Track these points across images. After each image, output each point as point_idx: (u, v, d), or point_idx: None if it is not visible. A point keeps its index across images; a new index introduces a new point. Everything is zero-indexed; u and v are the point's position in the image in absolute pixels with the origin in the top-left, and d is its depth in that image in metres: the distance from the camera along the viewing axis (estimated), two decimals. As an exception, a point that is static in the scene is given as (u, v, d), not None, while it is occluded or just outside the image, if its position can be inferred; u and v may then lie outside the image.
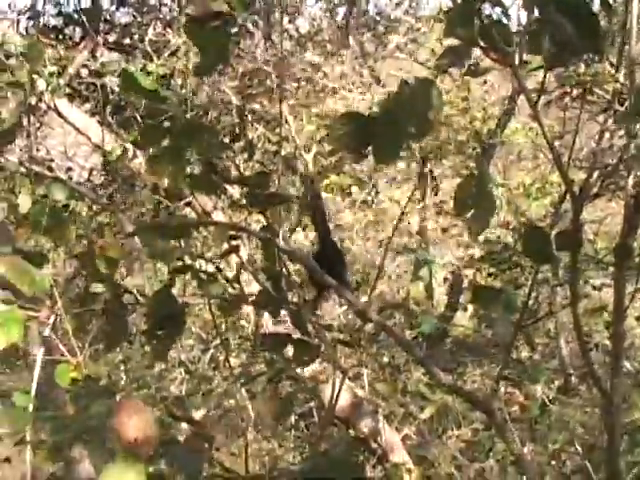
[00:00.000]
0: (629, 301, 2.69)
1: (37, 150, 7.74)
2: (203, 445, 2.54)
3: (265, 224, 2.71)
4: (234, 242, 2.81)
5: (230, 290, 2.87)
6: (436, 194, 6.87)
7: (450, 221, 6.94)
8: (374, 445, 6.01)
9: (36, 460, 2.60)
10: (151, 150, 2.63)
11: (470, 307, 7.52)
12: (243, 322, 6.94)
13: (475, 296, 2.64)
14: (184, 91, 6.14)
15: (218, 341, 7.30)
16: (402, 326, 5.64)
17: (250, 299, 2.81)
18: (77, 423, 2.53)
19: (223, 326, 6.91)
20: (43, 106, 7.51)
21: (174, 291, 2.91)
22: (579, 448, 4.96)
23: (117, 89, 7.53)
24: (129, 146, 6.31)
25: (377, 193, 7.24)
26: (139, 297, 2.88)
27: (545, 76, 2.30)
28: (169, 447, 2.34)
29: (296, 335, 2.85)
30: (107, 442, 2.39)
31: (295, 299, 2.88)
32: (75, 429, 2.52)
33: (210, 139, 2.54)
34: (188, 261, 2.89)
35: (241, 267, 2.84)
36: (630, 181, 2.58)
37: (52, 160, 7.50)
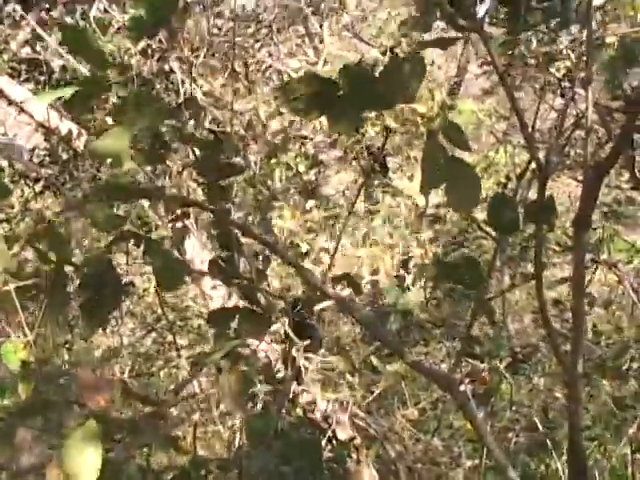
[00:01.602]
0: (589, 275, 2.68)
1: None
2: (159, 423, 2.50)
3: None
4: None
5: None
6: (384, 176, 6.83)
7: (397, 201, 6.91)
8: (323, 424, 5.98)
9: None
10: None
11: (415, 286, 7.53)
12: (189, 303, 6.90)
13: (434, 270, 2.60)
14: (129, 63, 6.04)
15: (163, 322, 7.24)
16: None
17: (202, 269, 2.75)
18: (31, 404, 2.48)
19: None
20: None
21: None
22: (539, 426, 4.97)
23: (59, 68, 7.41)
24: (72, 125, 6.21)
25: (323, 172, 7.19)
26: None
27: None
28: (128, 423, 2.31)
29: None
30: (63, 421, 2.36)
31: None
32: (28, 411, 2.48)
33: (157, 107, 2.47)
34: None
35: (184, 233, 2.78)
36: (589, 149, 2.56)
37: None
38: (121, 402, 2.38)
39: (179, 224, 2.97)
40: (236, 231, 2.67)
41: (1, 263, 2.50)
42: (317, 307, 3.15)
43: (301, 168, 6.89)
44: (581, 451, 2.60)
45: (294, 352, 2.94)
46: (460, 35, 2.26)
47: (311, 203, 6.44)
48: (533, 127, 2.64)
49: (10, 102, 6.93)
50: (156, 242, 2.81)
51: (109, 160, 2.47)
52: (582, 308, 2.57)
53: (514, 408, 6.11)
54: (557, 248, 5.88)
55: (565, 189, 8.48)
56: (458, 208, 2.32)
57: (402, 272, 6.71)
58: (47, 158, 7.50)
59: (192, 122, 2.85)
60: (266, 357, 5.50)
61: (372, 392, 6.33)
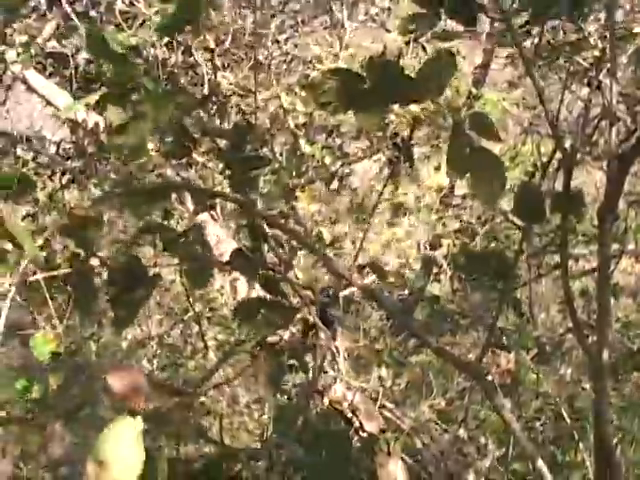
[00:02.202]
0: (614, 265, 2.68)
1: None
2: (187, 413, 2.51)
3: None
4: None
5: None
6: (411, 167, 6.82)
7: (423, 191, 6.91)
8: (351, 416, 5.99)
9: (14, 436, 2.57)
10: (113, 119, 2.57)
11: (442, 279, 7.52)
12: (216, 294, 6.91)
13: (461, 261, 2.61)
14: (152, 59, 6.06)
15: (190, 314, 7.26)
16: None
17: (225, 261, 2.75)
18: (64, 399, 2.49)
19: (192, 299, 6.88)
20: (9, 78, 7.42)
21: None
22: (565, 415, 4.96)
23: (85, 62, 7.44)
24: (97, 117, 6.23)
25: (349, 164, 7.19)
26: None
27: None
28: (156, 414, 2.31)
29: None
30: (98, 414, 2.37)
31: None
32: (62, 406, 2.49)
33: (182, 100, 2.48)
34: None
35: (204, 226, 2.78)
36: (613, 139, 2.55)
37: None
38: (154, 399, 2.40)
39: (203, 216, 2.98)
40: (262, 221, 2.68)
41: (28, 254, 2.52)
42: (341, 295, 3.15)
43: (327, 160, 6.89)
44: (607, 442, 2.60)
45: (322, 341, 2.95)
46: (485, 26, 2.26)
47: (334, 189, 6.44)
48: (558, 116, 2.63)
49: (37, 95, 6.97)
50: (180, 235, 2.83)
51: (127, 152, 2.48)
52: (607, 298, 2.56)
53: (540, 399, 6.10)
54: (583, 239, 5.86)
55: (593, 179, 8.45)
56: (483, 199, 2.32)
57: (428, 261, 6.73)
58: (73, 151, 7.53)
59: (217, 114, 2.87)
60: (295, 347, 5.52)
61: (399, 383, 6.33)
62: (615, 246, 4.95)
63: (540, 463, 2.53)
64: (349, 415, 6.00)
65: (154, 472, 2.32)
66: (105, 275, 2.87)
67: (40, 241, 2.88)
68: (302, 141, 5.73)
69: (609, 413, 2.63)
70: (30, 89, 7.06)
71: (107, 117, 2.61)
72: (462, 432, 6.69)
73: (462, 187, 6.90)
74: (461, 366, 2.83)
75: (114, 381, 2.15)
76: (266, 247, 2.72)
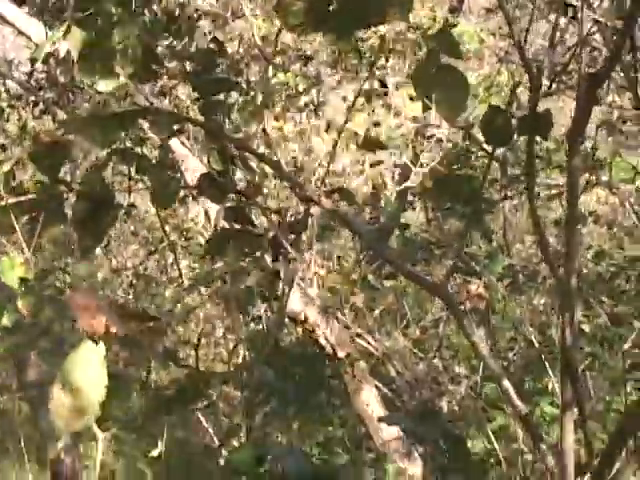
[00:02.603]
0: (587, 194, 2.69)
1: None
2: (158, 338, 2.50)
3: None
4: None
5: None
6: (385, 94, 6.78)
7: (400, 121, 6.88)
8: (323, 342, 6.03)
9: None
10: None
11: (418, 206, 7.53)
12: (190, 224, 6.91)
13: (432, 185, 2.61)
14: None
15: (165, 243, 7.27)
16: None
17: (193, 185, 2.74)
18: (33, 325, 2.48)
19: (168, 228, 6.87)
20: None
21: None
22: (534, 341, 5.01)
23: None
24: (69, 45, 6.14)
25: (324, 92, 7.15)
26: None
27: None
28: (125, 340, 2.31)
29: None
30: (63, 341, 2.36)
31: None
32: (31, 331, 2.48)
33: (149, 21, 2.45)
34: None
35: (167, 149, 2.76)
36: (584, 61, 2.54)
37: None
38: (117, 322, 2.38)
39: (174, 141, 2.96)
40: (230, 145, 2.67)
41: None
42: (311, 219, 3.15)
43: (301, 87, 6.86)
44: (573, 367, 2.62)
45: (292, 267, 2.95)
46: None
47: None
48: (526, 40, 2.62)
49: (8, 25, 6.86)
50: (148, 159, 2.81)
51: (95, 78, 2.45)
52: (575, 222, 2.57)
53: (514, 327, 6.15)
54: (559, 170, 5.88)
55: (568, 110, 8.43)
56: (446, 114, 2.32)
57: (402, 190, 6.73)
58: (45, 81, 7.46)
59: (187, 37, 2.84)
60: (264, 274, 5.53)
61: (372, 310, 6.37)
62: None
63: (506, 383, 2.56)
64: (322, 342, 6.04)
65: (120, 396, 2.32)
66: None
67: (7, 166, 2.85)
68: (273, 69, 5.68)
69: (576, 339, 2.65)
70: (1, 19, 6.95)
71: (70, 43, 2.58)
72: (436, 360, 6.76)
73: (437, 118, 6.88)
74: (430, 288, 2.83)
75: (73, 304, 2.15)
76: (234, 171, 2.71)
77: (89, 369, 2.14)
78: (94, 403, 2.14)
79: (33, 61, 6.55)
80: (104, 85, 2.43)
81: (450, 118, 2.33)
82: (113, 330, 2.20)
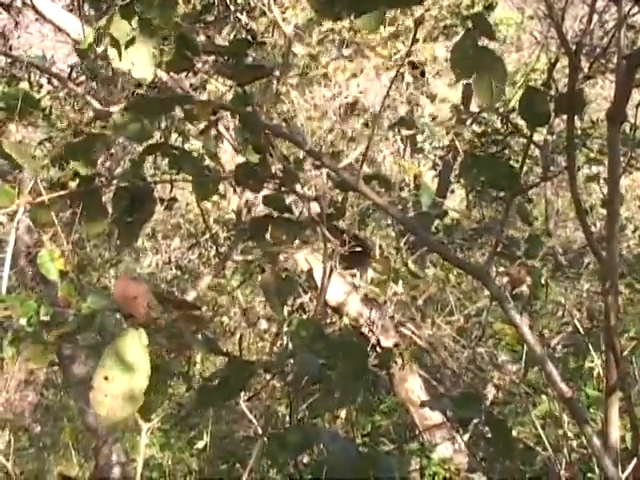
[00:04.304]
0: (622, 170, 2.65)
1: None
2: (200, 326, 2.50)
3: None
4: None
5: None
6: (422, 75, 6.76)
7: (438, 106, 6.86)
8: (368, 332, 6.03)
9: (29, 361, 2.56)
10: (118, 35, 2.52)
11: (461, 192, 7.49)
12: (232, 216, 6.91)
13: (466, 165, 2.58)
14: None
15: (207, 235, 7.27)
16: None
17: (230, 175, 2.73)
18: (75, 316, 2.48)
19: (212, 220, 6.89)
20: (18, 4, 7.35)
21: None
22: (578, 325, 4.96)
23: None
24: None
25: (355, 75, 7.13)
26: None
27: None
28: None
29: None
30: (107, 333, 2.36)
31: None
32: (73, 322, 2.47)
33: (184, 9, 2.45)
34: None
35: (217, 140, 2.75)
36: (622, 42, 2.51)
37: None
38: (159, 310, 2.38)
39: (211, 131, 2.94)
40: (267, 133, 2.66)
41: (30, 170, 2.51)
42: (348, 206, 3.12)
43: (340, 78, 6.85)
44: (616, 349, 2.59)
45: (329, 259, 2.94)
46: None
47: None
48: (563, 17, 2.59)
49: (46, 21, 6.89)
50: (187, 152, 2.81)
51: (133, 71, 2.45)
52: (617, 201, 2.54)
53: (560, 313, 6.10)
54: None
55: (608, 94, 8.36)
56: (483, 98, 2.29)
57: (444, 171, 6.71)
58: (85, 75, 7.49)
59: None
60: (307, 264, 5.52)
61: (415, 299, 6.35)
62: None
63: (550, 367, 2.53)
64: (366, 332, 6.03)
65: (162, 388, 2.32)
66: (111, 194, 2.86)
67: (46, 160, 2.85)
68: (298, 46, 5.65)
69: (619, 321, 2.62)
70: (39, 15, 6.98)
71: (110, 34, 2.57)
72: (480, 349, 6.73)
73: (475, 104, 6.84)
74: (473, 272, 2.81)
75: (116, 294, 2.15)
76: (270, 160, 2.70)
77: (132, 357, 2.14)
78: (138, 392, 2.14)
79: (80, 53, 6.56)
80: (140, 72, 2.42)
81: (488, 101, 2.30)
82: (154, 316, 2.20)
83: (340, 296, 6.03)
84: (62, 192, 2.78)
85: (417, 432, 6.19)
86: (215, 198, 6.74)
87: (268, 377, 2.85)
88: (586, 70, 6.60)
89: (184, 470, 8.65)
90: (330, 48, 6.58)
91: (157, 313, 2.21)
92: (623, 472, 2.66)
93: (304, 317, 5.71)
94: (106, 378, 2.11)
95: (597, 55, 6.11)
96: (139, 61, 2.49)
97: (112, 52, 2.42)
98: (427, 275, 6.22)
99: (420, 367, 6.36)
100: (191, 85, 5.61)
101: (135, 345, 2.15)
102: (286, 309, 6.69)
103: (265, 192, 2.79)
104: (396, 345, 5.93)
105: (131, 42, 2.50)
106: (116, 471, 6.68)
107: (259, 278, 3.09)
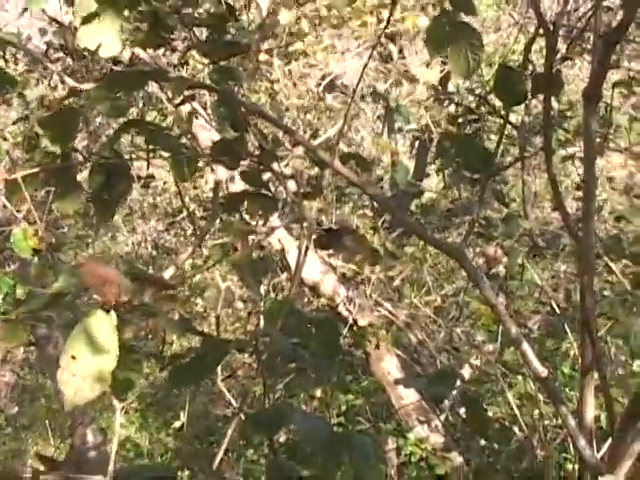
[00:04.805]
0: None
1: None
2: (174, 306, 2.47)
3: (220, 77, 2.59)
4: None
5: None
6: (402, 56, 6.73)
7: (414, 86, 6.83)
8: (345, 312, 6.03)
9: (2, 340, 2.53)
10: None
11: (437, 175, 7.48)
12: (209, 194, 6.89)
13: (442, 145, 2.57)
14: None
15: (184, 214, 7.25)
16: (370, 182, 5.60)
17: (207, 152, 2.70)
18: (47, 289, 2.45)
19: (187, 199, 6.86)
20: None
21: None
22: (554, 305, 4.97)
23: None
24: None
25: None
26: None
27: None
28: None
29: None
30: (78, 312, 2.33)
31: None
32: (40, 300, 2.44)
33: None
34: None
35: (192, 116, 2.72)
36: (600, 22, 2.51)
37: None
38: (131, 292, 2.35)
39: (186, 107, 2.92)
40: (244, 111, 2.63)
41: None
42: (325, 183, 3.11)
43: (319, 57, 6.80)
44: (591, 328, 2.60)
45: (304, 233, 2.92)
46: None
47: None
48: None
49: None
50: (163, 128, 2.78)
51: (100, 47, 2.41)
52: (593, 182, 2.54)
53: (536, 294, 6.11)
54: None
55: (586, 74, 8.37)
56: (459, 71, 2.28)
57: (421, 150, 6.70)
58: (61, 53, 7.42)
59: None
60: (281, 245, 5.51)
61: (392, 278, 6.35)
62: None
63: (525, 346, 2.53)
64: (342, 311, 6.04)
65: (131, 365, 2.29)
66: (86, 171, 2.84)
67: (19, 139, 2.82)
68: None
69: (594, 301, 2.62)
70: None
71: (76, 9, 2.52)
72: (457, 329, 6.74)
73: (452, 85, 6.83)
74: (449, 252, 2.80)
75: (85, 274, 2.12)
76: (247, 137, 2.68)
77: (101, 338, 2.11)
78: (106, 373, 2.11)
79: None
80: (107, 51, 2.38)
81: (464, 74, 2.28)
82: (125, 298, 2.17)
83: (317, 275, 6.03)
84: (36, 169, 2.75)
85: (393, 412, 6.20)
86: (194, 177, 6.74)
87: (246, 357, 2.84)
88: (564, 51, 6.61)
89: (161, 450, 8.67)
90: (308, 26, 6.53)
91: (129, 295, 2.18)
92: (598, 452, 2.67)
93: (279, 297, 5.70)
94: (73, 357, 2.08)
95: (574, 36, 6.10)
96: (106, 39, 2.45)
97: (80, 30, 2.38)
98: (404, 255, 6.22)
99: (397, 347, 6.37)
100: (169, 63, 5.57)
101: (104, 325, 2.12)
102: (263, 289, 6.70)
103: (242, 169, 2.77)
104: (370, 325, 5.94)
105: (94, 19, 2.45)
106: (92, 451, 6.67)
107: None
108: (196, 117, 2.83)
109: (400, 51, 6.61)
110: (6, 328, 2.45)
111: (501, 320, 2.67)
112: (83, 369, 2.04)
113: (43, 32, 7.07)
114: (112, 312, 2.11)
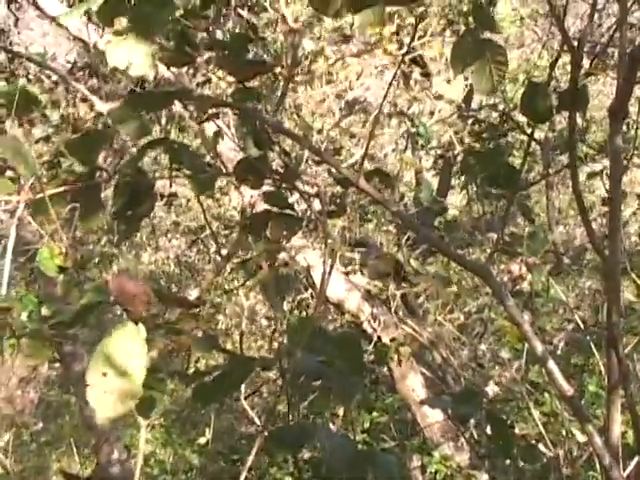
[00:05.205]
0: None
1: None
2: (199, 324, 2.47)
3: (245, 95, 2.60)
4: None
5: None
6: (427, 76, 6.73)
7: (432, 105, 6.84)
8: (369, 329, 6.02)
9: (29, 357, 2.54)
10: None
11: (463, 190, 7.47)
12: (232, 212, 6.91)
13: (466, 161, 2.57)
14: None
15: (207, 232, 7.26)
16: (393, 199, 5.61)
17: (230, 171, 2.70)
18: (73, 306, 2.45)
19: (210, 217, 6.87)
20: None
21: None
22: (579, 322, 4.94)
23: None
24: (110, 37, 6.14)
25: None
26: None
27: None
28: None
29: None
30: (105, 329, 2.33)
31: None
32: (67, 314, 2.45)
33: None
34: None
35: (218, 135, 2.73)
36: (625, 37, 2.49)
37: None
38: (158, 308, 2.35)
39: (210, 125, 2.93)
40: (266, 129, 2.64)
41: (27, 169, 2.49)
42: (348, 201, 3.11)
43: (342, 75, 6.82)
44: (618, 345, 2.58)
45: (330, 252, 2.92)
46: None
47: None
48: (565, 13, 2.57)
49: (46, 16, 6.89)
50: (186, 146, 2.79)
51: (129, 68, 2.42)
52: (618, 198, 2.53)
53: (561, 310, 6.08)
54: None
55: (609, 90, 8.36)
56: (481, 88, 2.28)
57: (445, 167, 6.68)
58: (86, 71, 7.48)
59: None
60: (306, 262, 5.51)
61: (417, 296, 6.34)
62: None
63: (551, 364, 2.52)
64: (367, 328, 6.03)
65: (155, 384, 2.29)
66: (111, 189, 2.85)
67: (47, 156, 2.84)
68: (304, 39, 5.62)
69: (620, 318, 2.61)
70: (40, 11, 6.97)
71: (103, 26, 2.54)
72: (481, 346, 6.72)
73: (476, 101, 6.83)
74: (474, 269, 2.80)
75: (114, 288, 2.12)
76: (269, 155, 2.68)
77: (130, 351, 2.10)
78: (137, 387, 2.10)
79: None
80: (137, 70, 2.39)
81: (488, 90, 2.28)
82: (154, 311, 2.18)
83: (341, 293, 6.03)
84: (61, 188, 2.76)
85: (418, 429, 6.18)
86: (217, 195, 6.76)
87: (269, 375, 2.84)
88: (587, 67, 6.60)
89: (185, 466, 8.67)
90: (333, 45, 6.55)
91: (156, 310, 2.18)
92: (625, 469, 2.65)
93: (303, 314, 5.70)
94: (104, 374, 2.07)
95: (598, 52, 6.11)
96: (136, 58, 2.46)
97: (109, 49, 2.38)
98: (428, 272, 6.20)
99: (422, 364, 6.35)
100: (195, 82, 5.61)
101: (134, 337, 2.12)
102: (288, 306, 6.70)
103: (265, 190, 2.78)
104: (392, 340, 5.92)
105: (124, 37, 2.46)
106: (116, 468, 6.67)
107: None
108: (221, 137, 2.83)
109: (427, 74, 6.61)
110: (31, 345, 2.46)
111: (526, 338, 2.66)
112: (112, 384, 2.04)
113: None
114: (141, 325, 2.10)
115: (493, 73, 2.26)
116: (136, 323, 2.10)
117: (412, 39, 3.29)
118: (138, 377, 2.08)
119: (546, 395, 5.14)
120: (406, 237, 5.79)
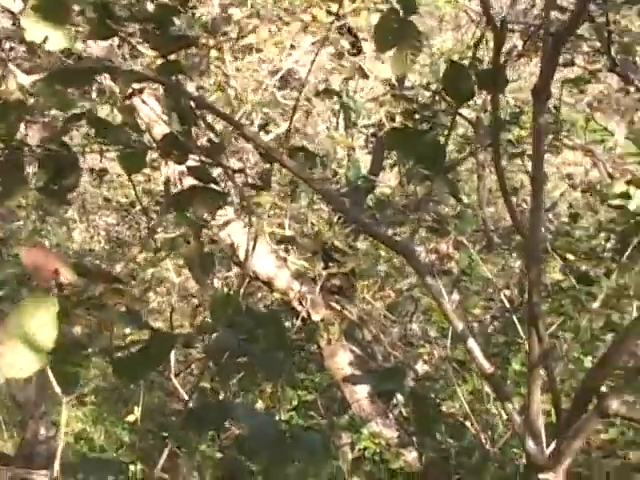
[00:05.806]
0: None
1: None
2: (122, 299, 2.45)
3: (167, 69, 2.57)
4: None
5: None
6: (359, 51, 6.70)
7: (366, 82, 6.83)
8: (298, 307, 6.02)
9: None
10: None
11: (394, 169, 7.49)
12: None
13: (392, 138, 2.57)
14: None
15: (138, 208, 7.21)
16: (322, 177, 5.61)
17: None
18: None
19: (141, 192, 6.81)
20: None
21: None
22: (505, 301, 4.99)
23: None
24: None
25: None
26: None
27: None
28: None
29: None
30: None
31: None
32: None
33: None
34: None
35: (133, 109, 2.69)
36: (552, 20, 2.51)
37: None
38: (75, 279, 2.32)
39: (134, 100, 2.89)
40: (192, 104, 2.62)
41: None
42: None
43: (275, 51, 6.77)
44: (540, 324, 2.60)
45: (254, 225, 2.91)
46: None
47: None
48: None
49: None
50: (109, 122, 2.76)
51: (45, 40, 2.37)
52: (541, 177, 2.54)
53: (490, 290, 6.13)
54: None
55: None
56: (398, 68, 2.29)
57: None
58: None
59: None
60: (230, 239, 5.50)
61: (346, 274, 6.34)
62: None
63: (471, 342, 2.53)
64: (296, 305, 6.03)
65: (79, 360, 2.27)
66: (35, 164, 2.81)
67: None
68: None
69: (540, 293, 2.62)
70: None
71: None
72: (413, 325, 6.76)
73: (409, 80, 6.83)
74: (395, 247, 2.80)
75: (26, 260, 2.10)
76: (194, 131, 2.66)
77: (40, 321, 2.08)
78: (43, 352, 2.08)
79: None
80: (54, 44, 2.34)
81: (402, 71, 2.29)
82: (67, 281, 2.14)
83: (271, 270, 6.02)
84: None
85: (347, 407, 6.20)
86: (147, 170, 6.69)
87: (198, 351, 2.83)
88: (520, 48, 6.65)
89: (117, 444, 8.61)
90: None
91: (71, 279, 2.15)
92: (548, 447, 2.67)
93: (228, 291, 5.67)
94: (7, 342, 2.05)
95: (531, 34, 6.15)
96: (52, 32, 2.41)
97: (25, 23, 2.34)
98: (358, 250, 6.22)
99: (352, 342, 6.37)
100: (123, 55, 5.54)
101: (44, 309, 2.09)
102: (219, 283, 6.68)
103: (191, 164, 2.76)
104: (322, 319, 5.94)
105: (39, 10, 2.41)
106: (43, 445, 6.62)
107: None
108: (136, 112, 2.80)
109: (354, 46, 6.58)
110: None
111: (447, 316, 2.67)
112: (22, 351, 2.02)
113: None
114: (54, 298, 2.08)
115: (408, 56, 2.28)
116: (47, 291, 2.08)
117: (340, 5, 3.28)
118: (46, 345, 2.06)
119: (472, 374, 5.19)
120: (337, 216, 5.80)
